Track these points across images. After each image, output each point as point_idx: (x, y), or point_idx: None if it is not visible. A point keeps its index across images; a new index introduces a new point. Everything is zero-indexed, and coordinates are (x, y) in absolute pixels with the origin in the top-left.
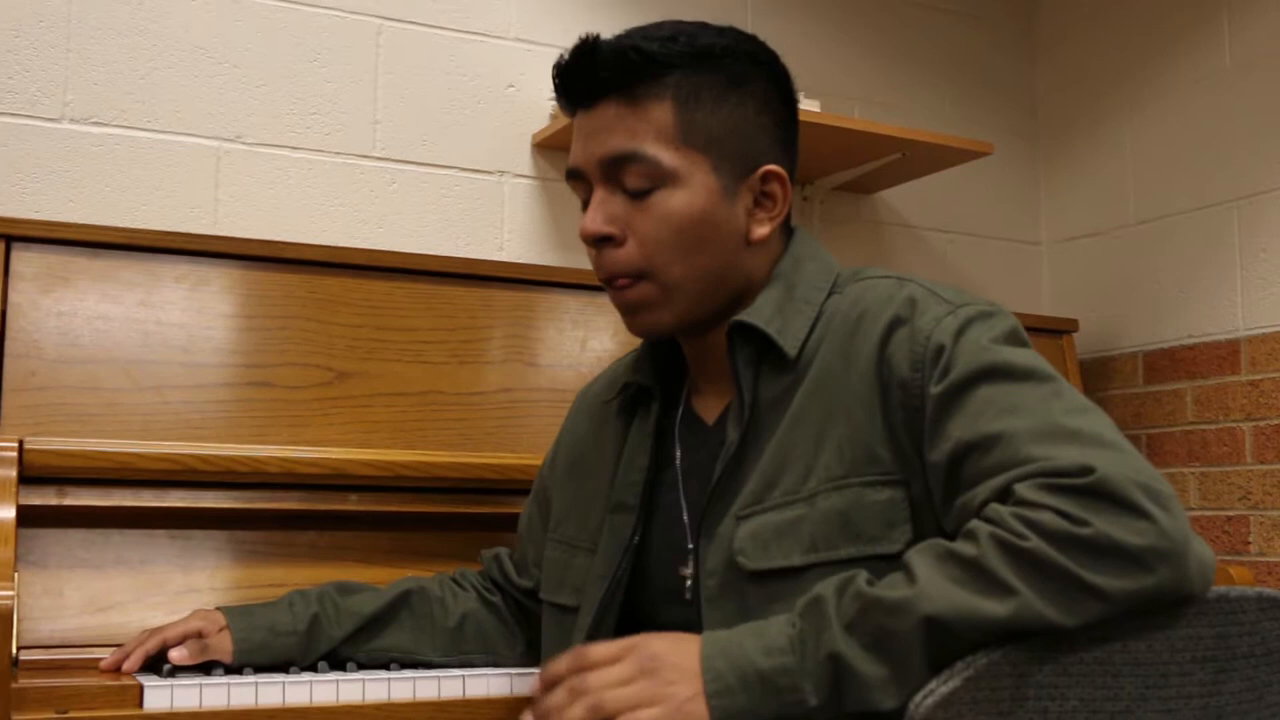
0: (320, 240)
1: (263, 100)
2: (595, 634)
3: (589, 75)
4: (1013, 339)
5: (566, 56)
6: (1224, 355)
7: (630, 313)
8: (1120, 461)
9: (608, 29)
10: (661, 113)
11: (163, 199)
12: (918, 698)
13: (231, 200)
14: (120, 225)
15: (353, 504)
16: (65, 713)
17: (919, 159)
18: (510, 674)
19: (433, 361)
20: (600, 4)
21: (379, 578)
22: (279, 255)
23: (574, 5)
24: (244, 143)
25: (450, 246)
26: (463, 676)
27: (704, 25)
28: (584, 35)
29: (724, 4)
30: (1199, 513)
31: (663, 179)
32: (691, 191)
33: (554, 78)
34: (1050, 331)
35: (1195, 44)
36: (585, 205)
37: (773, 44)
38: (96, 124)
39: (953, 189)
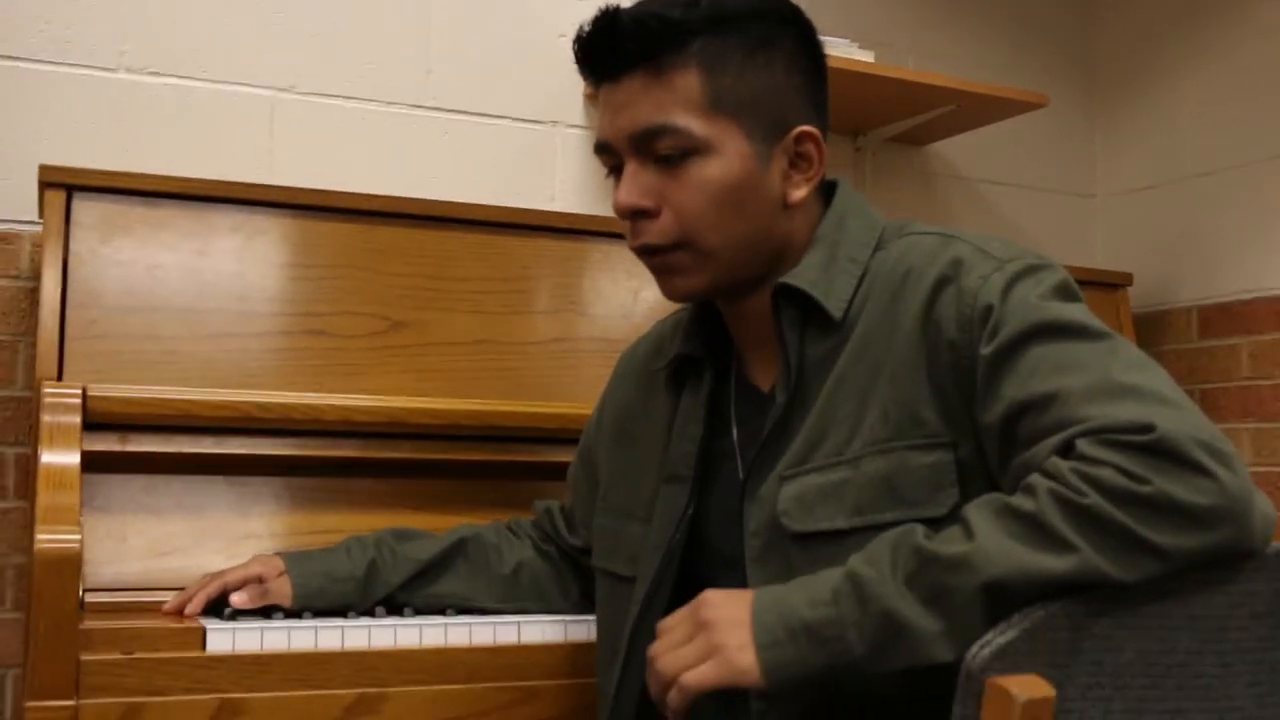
0: (373, 189)
1: (316, 50)
2: (651, 604)
3: (611, 47)
4: (1063, 293)
5: (586, 29)
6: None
7: (665, 275)
8: (1180, 418)
9: None
10: (688, 81)
11: (218, 149)
12: (974, 648)
13: (285, 150)
14: (176, 175)
15: (408, 452)
16: (131, 654)
17: (972, 111)
18: (564, 621)
19: (486, 311)
20: None
21: (434, 525)
22: (333, 205)
23: None
24: (298, 92)
25: (502, 196)
26: (518, 623)
27: None
28: (603, 6)
29: None
30: (1253, 468)
31: (695, 148)
32: (725, 159)
33: (575, 51)
34: (1104, 285)
35: None
36: (615, 176)
37: None
38: (153, 74)
39: (1006, 141)
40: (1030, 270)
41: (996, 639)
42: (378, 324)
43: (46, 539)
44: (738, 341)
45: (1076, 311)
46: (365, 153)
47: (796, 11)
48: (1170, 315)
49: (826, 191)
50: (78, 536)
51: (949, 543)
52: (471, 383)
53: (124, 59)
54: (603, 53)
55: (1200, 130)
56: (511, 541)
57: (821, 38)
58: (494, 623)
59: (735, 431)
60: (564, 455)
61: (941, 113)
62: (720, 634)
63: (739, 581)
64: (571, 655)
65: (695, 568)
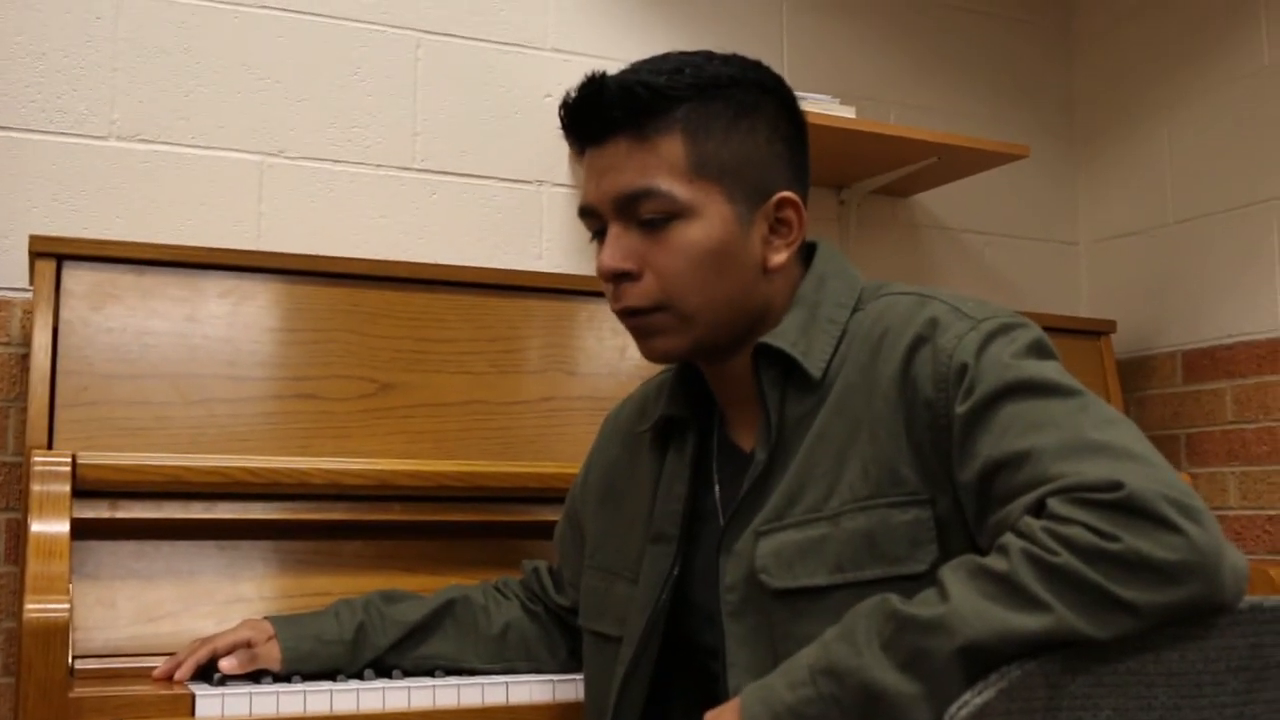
0: (362, 251)
1: (304, 115)
2: (638, 665)
3: (597, 113)
4: (1037, 351)
5: (573, 95)
6: (1263, 354)
7: (645, 337)
8: (1150, 475)
9: (642, 39)
10: (672, 146)
11: (207, 213)
12: (952, 709)
13: (274, 214)
14: (165, 241)
15: (397, 514)
16: None
17: (954, 162)
18: (553, 680)
19: (474, 371)
20: (635, 14)
21: (424, 586)
22: (321, 269)
23: (609, 15)
24: (286, 157)
25: (489, 255)
26: (506, 683)
27: (709, 55)
28: (590, 72)
29: (759, 11)
30: (1239, 512)
31: (678, 212)
32: (708, 222)
33: (561, 116)
34: (1088, 333)
35: (1234, 44)
36: (599, 239)
37: (808, 49)
38: (142, 141)
39: (990, 190)
40: (1004, 329)
41: (974, 699)
42: (366, 386)
43: (35, 608)
44: (720, 402)
45: (1049, 370)
46: (354, 215)
47: (778, 80)
48: (1154, 360)
49: (807, 253)
50: (66, 606)
51: (924, 606)
52: (460, 443)
53: (114, 127)
54: (589, 118)
55: (1181, 176)
56: (499, 602)
57: (803, 94)
58: (482, 683)
59: (718, 490)
60: (552, 514)
61: (923, 165)
62: None
63: (721, 638)
64: (560, 715)
65: (682, 626)
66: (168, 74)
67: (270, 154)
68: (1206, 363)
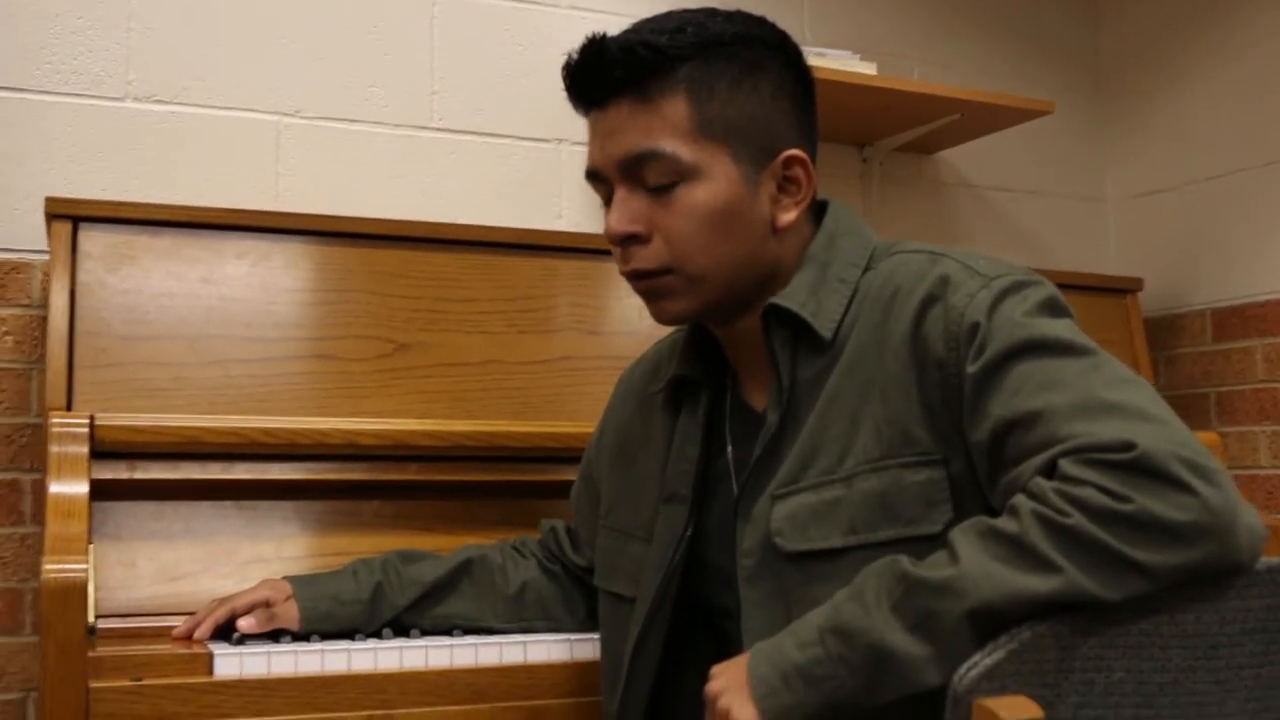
0: (380, 211)
1: (321, 74)
2: (652, 625)
3: (599, 75)
4: (1049, 309)
5: (574, 57)
6: None
7: (655, 300)
8: (1163, 435)
9: None
10: (675, 107)
11: (224, 174)
12: (961, 670)
13: (292, 174)
14: (182, 202)
15: (414, 474)
16: (140, 680)
17: (978, 119)
18: (570, 640)
19: (492, 331)
20: None
21: (442, 545)
22: (338, 229)
23: None
24: (303, 117)
25: (509, 215)
26: (524, 643)
27: (712, 12)
28: (590, 34)
29: None
30: (1270, 471)
31: (683, 174)
32: (714, 183)
33: (564, 78)
34: (1114, 291)
35: None
36: (606, 203)
37: (830, 5)
38: (158, 102)
39: (1016, 147)
40: (1016, 287)
41: (983, 660)
42: (383, 346)
43: (54, 568)
44: (733, 362)
45: (1062, 328)
46: (371, 175)
47: (783, 37)
48: (1184, 319)
49: (818, 212)
50: (85, 566)
51: (934, 567)
52: (477, 403)
53: (130, 88)
54: (591, 80)
55: (1211, 132)
56: (517, 561)
57: (823, 50)
58: (500, 643)
59: (730, 450)
60: (570, 474)
61: (946, 122)
62: (725, 702)
63: (732, 598)
64: (578, 674)
65: (696, 587)
66: (184, 34)
67: (287, 114)
68: (1236, 321)
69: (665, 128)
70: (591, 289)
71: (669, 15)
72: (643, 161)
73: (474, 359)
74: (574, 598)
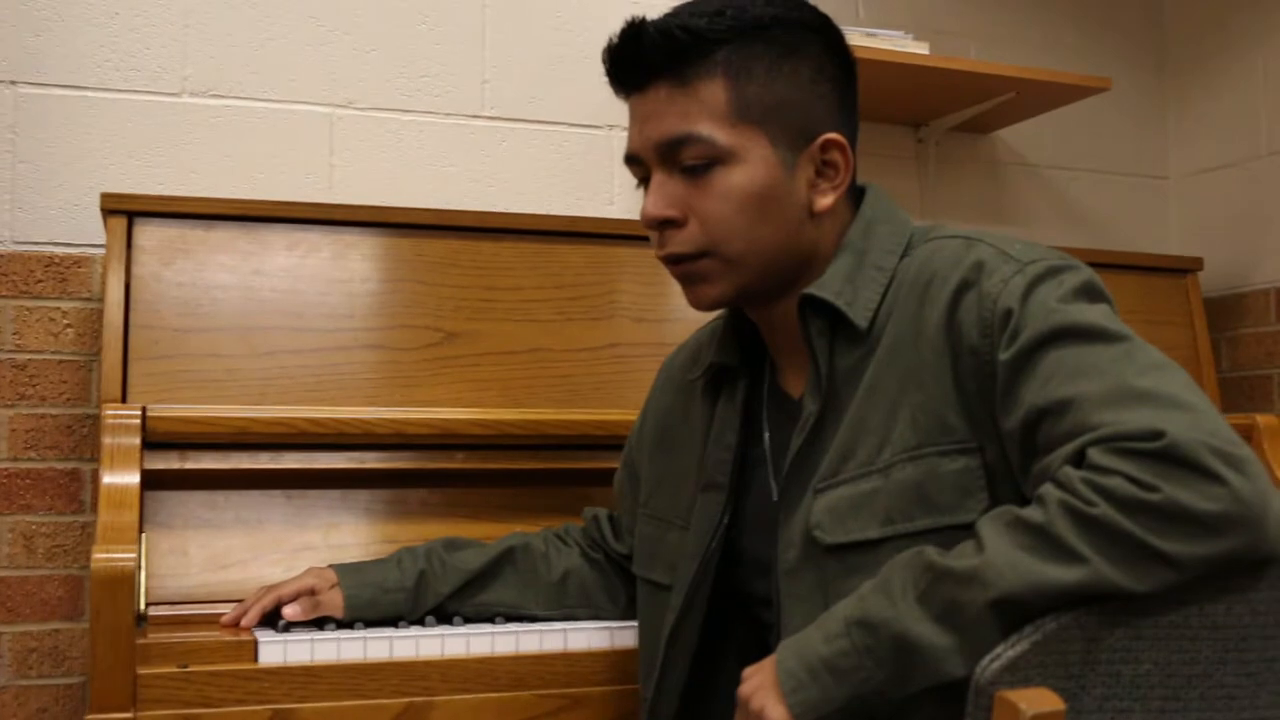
0: (433, 199)
1: (374, 65)
2: (688, 613)
3: (637, 59)
4: (1084, 294)
5: (614, 40)
6: None
7: (691, 284)
8: (1192, 423)
9: None
10: (713, 91)
11: (279, 166)
12: (984, 661)
13: (346, 165)
14: (239, 195)
15: (460, 462)
16: (186, 666)
17: (1034, 97)
18: (610, 628)
19: (540, 319)
20: None
21: (488, 533)
22: (387, 220)
23: None
24: (356, 108)
25: (561, 201)
26: (564, 630)
27: None
28: (629, 18)
29: None
30: None
31: (720, 157)
32: (751, 167)
33: (604, 62)
34: (1174, 271)
35: None
36: (644, 185)
37: None
38: (214, 96)
39: (1074, 124)
40: (1052, 272)
41: (1006, 652)
42: (432, 336)
43: (103, 557)
44: (771, 349)
45: (1095, 314)
46: (424, 164)
47: (823, 19)
48: (1248, 298)
49: (857, 197)
50: (133, 555)
51: (960, 557)
52: (525, 391)
53: (187, 83)
54: (629, 64)
55: (1275, 107)
56: (560, 549)
57: (875, 30)
58: (540, 630)
59: (767, 438)
60: (615, 461)
61: (1001, 101)
62: (756, 703)
63: (772, 588)
64: (618, 662)
65: (732, 575)
66: (238, 29)
67: (340, 105)
68: None
69: (703, 111)
70: (640, 275)
71: None
72: (680, 145)
73: (522, 347)
74: (616, 585)
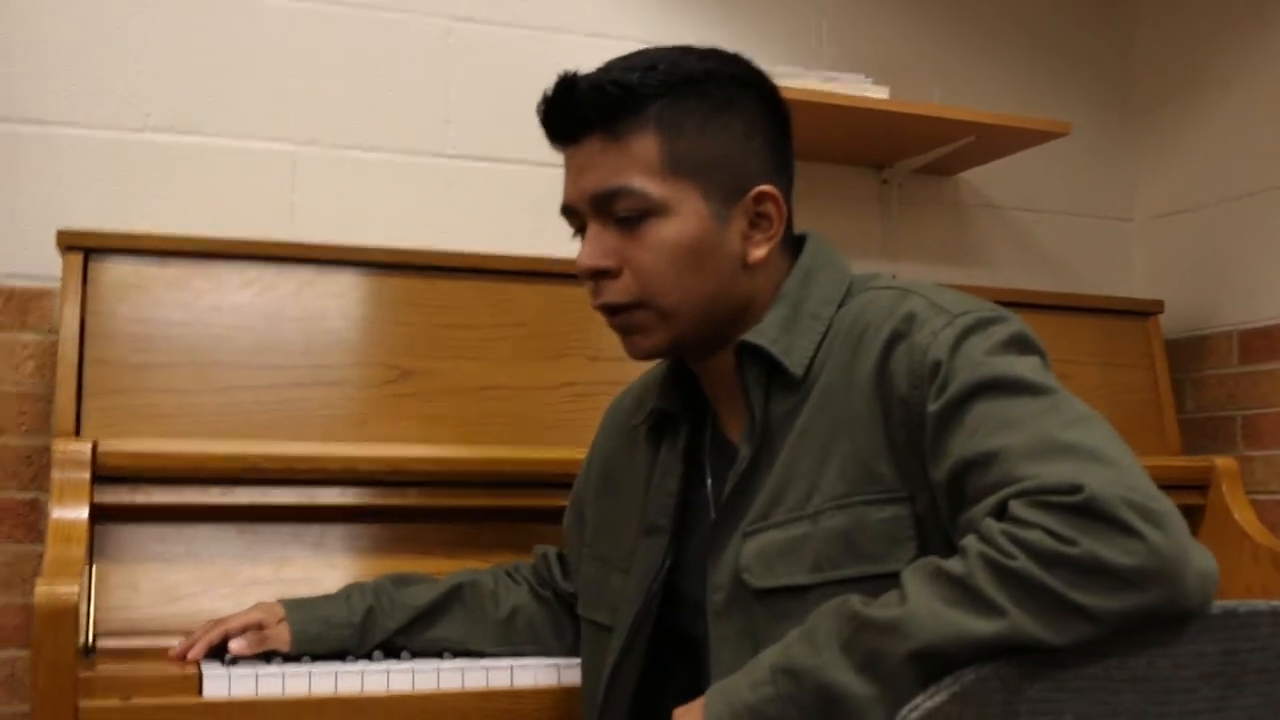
0: (395, 236)
1: (337, 104)
2: (627, 655)
3: (570, 113)
4: (1014, 346)
5: (549, 93)
6: None
7: (627, 335)
8: (1113, 478)
9: (676, 20)
10: (645, 145)
11: (242, 203)
12: (903, 712)
13: (308, 202)
14: (201, 230)
15: (414, 498)
16: (129, 700)
17: (993, 141)
18: (558, 665)
19: (496, 357)
20: None
21: (439, 569)
22: (344, 258)
23: None
24: (319, 145)
25: (524, 239)
26: (510, 667)
27: (686, 49)
28: (562, 72)
29: None
30: None
31: (652, 209)
32: (682, 219)
33: (538, 114)
34: (1134, 314)
35: None
36: (581, 236)
37: (849, 28)
38: (178, 133)
39: (1039, 166)
40: (982, 324)
41: (925, 703)
42: (388, 373)
43: (46, 590)
44: (710, 396)
45: (1023, 366)
46: (387, 202)
47: (757, 74)
48: (1210, 340)
49: (796, 246)
50: (75, 589)
51: (883, 608)
52: (480, 428)
53: (150, 120)
54: (562, 119)
55: (1240, 151)
56: (509, 586)
57: (835, 74)
58: (486, 666)
59: (709, 483)
60: (567, 499)
61: (961, 145)
62: None
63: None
64: (564, 699)
65: (674, 617)
66: (202, 66)
67: (303, 143)
68: (1263, 342)
69: (635, 165)
70: (595, 315)
71: (643, 53)
72: (612, 198)
73: (477, 384)
74: (563, 623)
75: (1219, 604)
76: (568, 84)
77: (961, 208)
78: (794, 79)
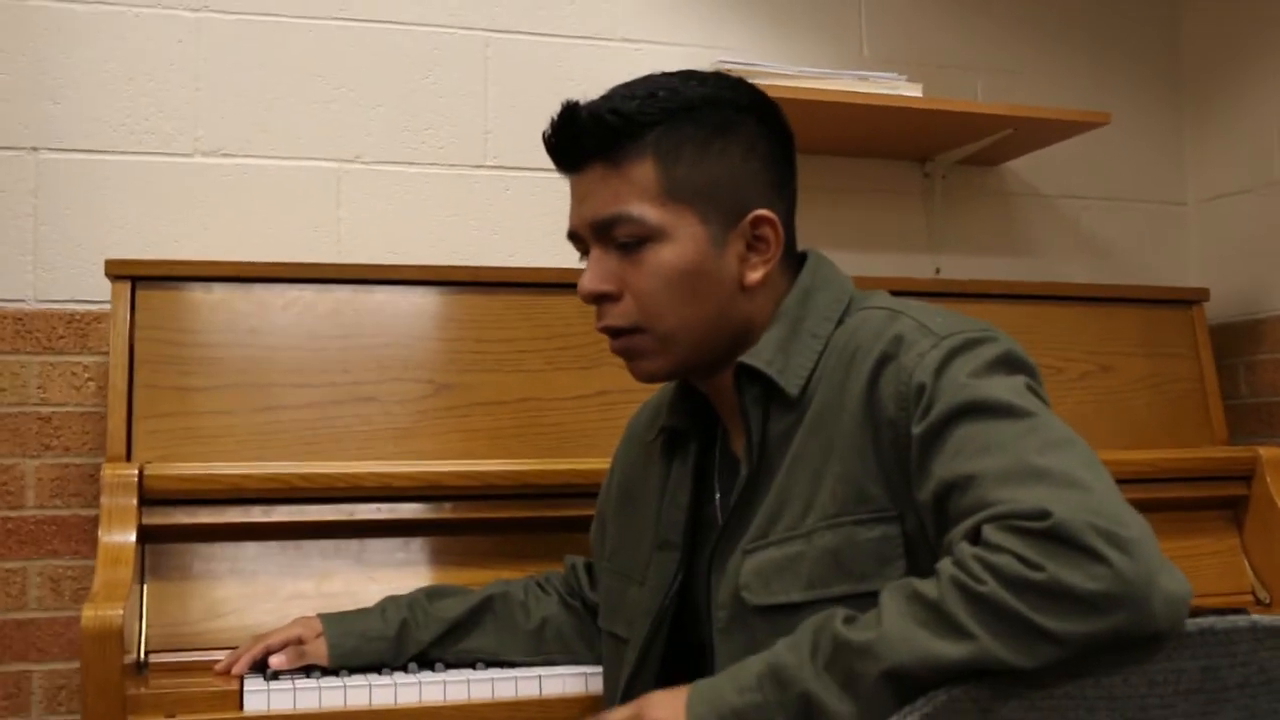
0: (437, 249)
1: (379, 120)
2: (641, 668)
3: (571, 143)
4: (1000, 366)
5: (552, 122)
6: None
7: (629, 359)
8: (1080, 503)
9: (713, 25)
10: (643, 171)
11: (290, 223)
12: None
13: (352, 219)
14: (245, 253)
15: (449, 512)
16: (173, 716)
17: (1033, 133)
18: (585, 673)
19: (529, 369)
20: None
21: (476, 580)
22: (380, 277)
23: (677, 1)
24: (362, 162)
25: (564, 249)
26: (539, 676)
27: (688, 75)
28: (565, 102)
29: None
30: None
31: (651, 235)
32: (680, 244)
33: (544, 143)
34: (1179, 303)
35: None
36: (586, 260)
37: (888, 24)
38: (225, 156)
39: (1086, 153)
40: (968, 345)
41: None
42: (425, 388)
43: (92, 614)
44: (720, 413)
45: (1006, 388)
46: (429, 216)
47: (758, 98)
48: (1266, 324)
49: (797, 265)
50: (120, 611)
51: (860, 629)
52: (515, 440)
53: (199, 144)
54: (564, 148)
55: None
56: (539, 597)
57: (867, 73)
58: (516, 675)
59: (718, 499)
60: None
61: (999, 138)
62: None
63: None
64: (592, 706)
65: (689, 630)
66: (247, 90)
67: (347, 160)
68: None
69: (633, 192)
70: None
71: (647, 79)
72: (612, 224)
73: (512, 397)
74: (592, 632)
75: (1196, 620)
76: (569, 113)
77: (1007, 197)
78: (827, 80)
